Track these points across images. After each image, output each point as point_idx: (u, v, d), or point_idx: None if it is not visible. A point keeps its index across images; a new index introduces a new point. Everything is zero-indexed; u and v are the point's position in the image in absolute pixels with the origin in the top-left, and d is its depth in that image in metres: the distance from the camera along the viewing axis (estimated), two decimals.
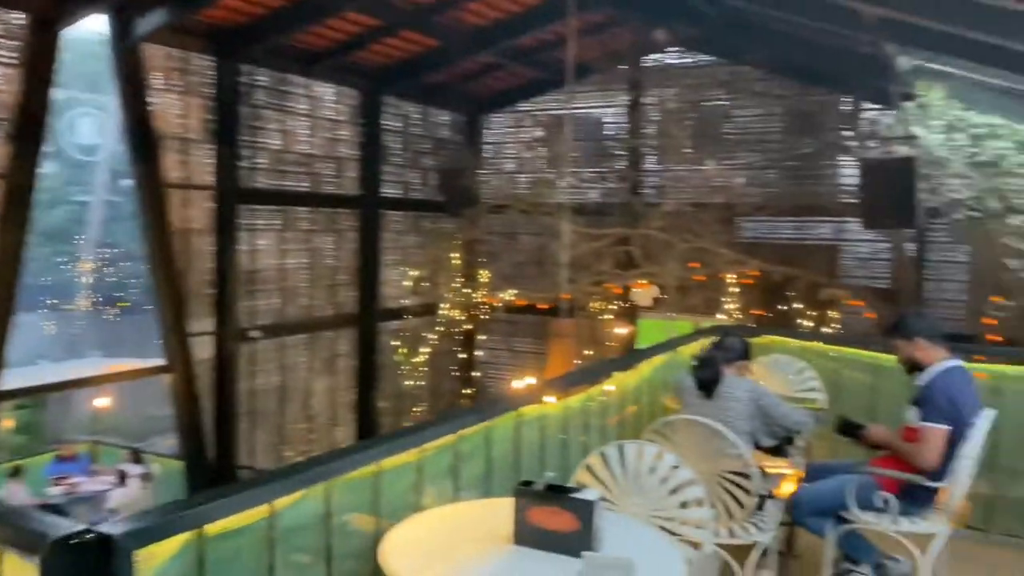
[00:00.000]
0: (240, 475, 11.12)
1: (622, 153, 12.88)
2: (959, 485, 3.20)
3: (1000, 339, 10.09)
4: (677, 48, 11.79)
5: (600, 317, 9.58)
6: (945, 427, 3.20)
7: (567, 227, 8.09)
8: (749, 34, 10.64)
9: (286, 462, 12.07)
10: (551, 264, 13.52)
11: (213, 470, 10.85)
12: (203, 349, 10.66)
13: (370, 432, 12.99)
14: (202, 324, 10.62)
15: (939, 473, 3.21)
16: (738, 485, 3.24)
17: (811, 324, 11.12)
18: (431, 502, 2.83)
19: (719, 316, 10.08)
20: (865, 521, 3.31)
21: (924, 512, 3.30)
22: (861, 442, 3.51)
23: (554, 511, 2.16)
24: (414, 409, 14.41)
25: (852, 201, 11.93)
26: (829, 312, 11.39)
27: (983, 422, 3.24)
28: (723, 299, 10.31)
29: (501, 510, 2.43)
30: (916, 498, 3.28)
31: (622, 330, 11.55)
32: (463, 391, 13.59)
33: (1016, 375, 4.41)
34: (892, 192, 6.83)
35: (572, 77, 6.86)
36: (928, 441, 3.20)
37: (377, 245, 12.95)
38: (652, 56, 13.27)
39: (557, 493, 2.29)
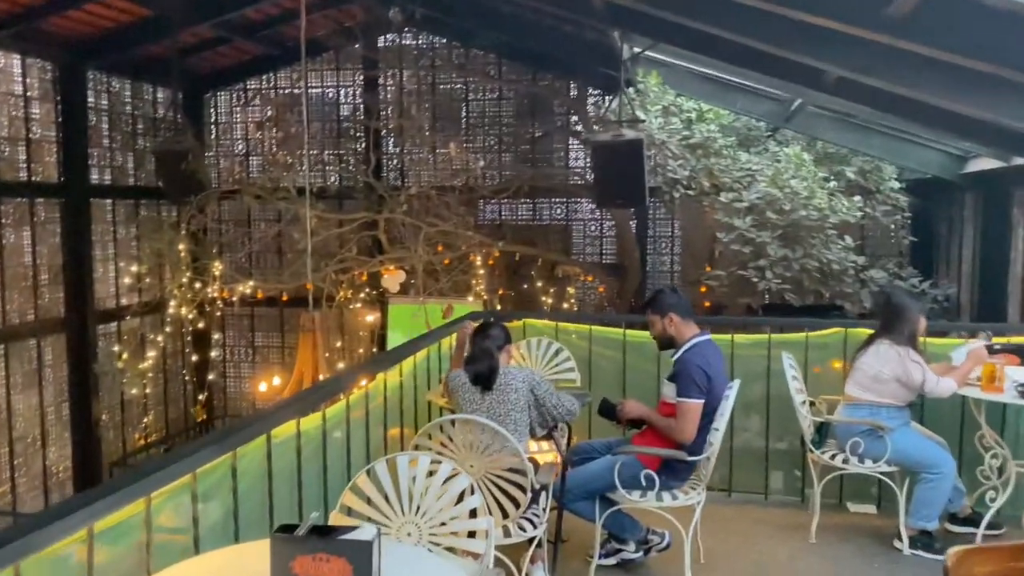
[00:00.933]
0: None
1: (360, 135, 12.52)
2: (713, 456, 3.39)
3: (709, 306, 11.22)
4: (411, 28, 11.60)
5: (349, 306, 9.20)
6: (700, 401, 3.36)
7: (308, 213, 7.62)
8: (482, 17, 10.74)
9: None
10: (292, 252, 12.87)
11: None
12: None
13: (89, 449, 11.55)
14: None
15: (696, 446, 3.37)
16: (515, 483, 3.15)
17: (550, 301, 11.59)
18: (163, 563, 2.27)
19: (469, 298, 10.13)
20: (631, 501, 3.40)
21: (684, 484, 3.45)
22: (619, 421, 3.59)
23: (322, 560, 1.83)
24: (144, 420, 13.07)
25: (582, 182, 12.68)
26: (568, 289, 11.95)
27: (733, 393, 3.45)
28: (472, 281, 10.38)
29: (252, 561, 2.03)
30: (676, 472, 3.42)
31: (371, 318, 11.27)
32: (198, 397, 12.55)
33: (742, 342, 4.81)
34: (622, 173, 7.18)
35: (304, 53, 6.40)
36: (685, 416, 3.34)
37: (86, 239, 11.47)
38: (387, 36, 13.02)
39: (324, 536, 1.94)
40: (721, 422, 3.36)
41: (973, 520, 3.96)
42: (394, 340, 12.47)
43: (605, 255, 13.35)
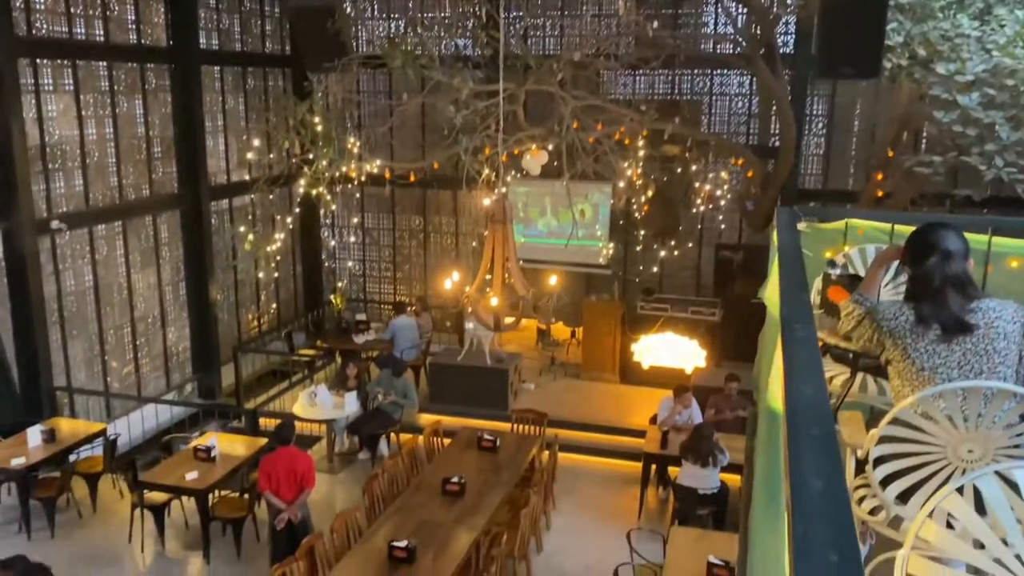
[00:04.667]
0: (57, 399, 9.14)
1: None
2: None
3: (882, 195, 9.97)
4: None
5: (499, 188, 8.27)
6: None
7: (457, 81, 6.58)
8: None
9: (114, 376, 10.12)
10: (429, 129, 11.94)
11: (22, 397, 8.79)
12: None
13: (208, 332, 11.20)
14: None
15: None
16: None
17: (707, 188, 10.50)
18: None
19: (619, 183, 9.11)
20: None
21: None
22: None
23: None
24: (272, 305, 12.68)
25: (736, 51, 11.27)
26: (721, 174, 10.79)
27: None
28: (624, 164, 9.32)
29: None
30: None
31: (487, 202, 10.37)
32: (337, 284, 11.98)
33: None
34: (854, 33, 5.93)
35: None
36: None
37: (197, 109, 10.68)
38: None
39: None
40: None
41: None
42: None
43: (751, 135, 12.08)
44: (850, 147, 11.53)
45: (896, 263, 2.64)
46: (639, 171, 9.95)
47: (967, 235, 2.49)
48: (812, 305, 3.08)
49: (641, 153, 10.05)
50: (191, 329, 11.26)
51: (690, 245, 12.13)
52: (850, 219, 3.50)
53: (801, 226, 3.42)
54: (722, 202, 11.35)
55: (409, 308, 11.59)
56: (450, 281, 8.30)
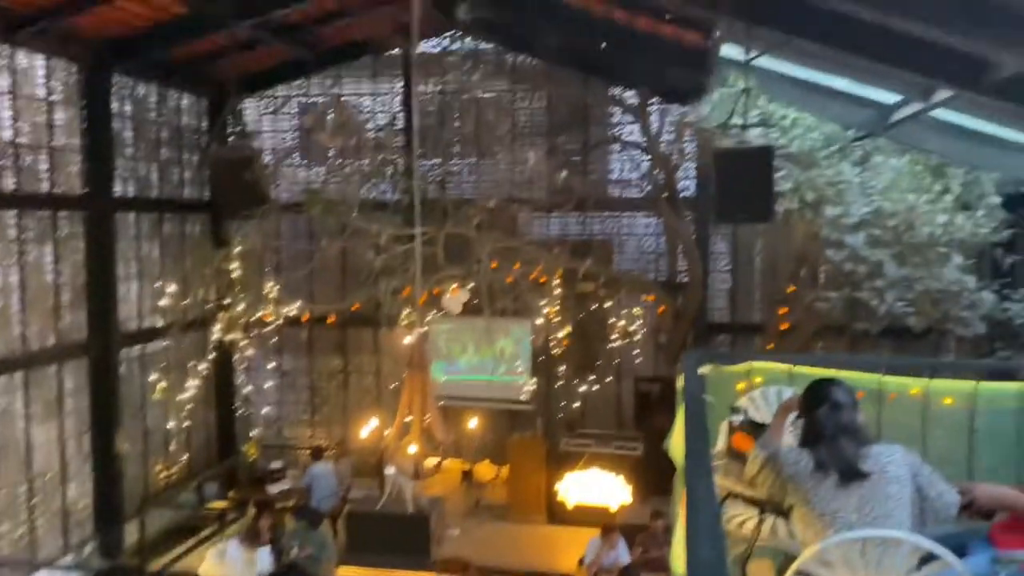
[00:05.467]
0: None
1: (398, 144, 11.63)
2: None
3: (786, 327, 10.45)
4: (468, 31, 10.79)
5: (418, 329, 8.32)
6: None
7: (376, 227, 6.76)
8: (541, 20, 9.92)
9: (4, 541, 9.37)
10: (349, 271, 12.00)
11: None
12: None
13: (113, 487, 10.58)
14: None
15: None
16: None
17: (622, 323, 10.82)
18: None
19: (538, 320, 9.34)
20: None
21: None
22: (966, 511, 2.73)
23: None
24: (182, 455, 12.11)
25: (641, 195, 11.93)
26: (634, 310, 11.17)
27: None
28: (541, 302, 9.56)
29: None
30: None
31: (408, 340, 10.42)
32: (249, 433, 11.63)
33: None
34: (747, 184, 6.40)
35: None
36: None
37: (110, 255, 10.53)
38: (428, 41, 12.25)
39: None
40: None
41: None
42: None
43: (659, 273, 12.58)
44: (754, 283, 12.11)
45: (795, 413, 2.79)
46: (556, 308, 10.21)
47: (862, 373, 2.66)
48: (719, 453, 3.19)
49: (558, 291, 10.35)
50: (94, 484, 10.62)
51: (609, 379, 12.31)
52: (753, 362, 3.66)
53: (704, 370, 3.57)
54: (637, 336, 11.66)
55: (327, 454, 11.26)
56: (367, 428, 8.16)
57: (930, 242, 7.94)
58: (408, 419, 5.37)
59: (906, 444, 3.40)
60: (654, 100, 11.66)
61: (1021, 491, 2.66)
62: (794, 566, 2.22)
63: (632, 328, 11.24)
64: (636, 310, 11.28)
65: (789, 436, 2.78)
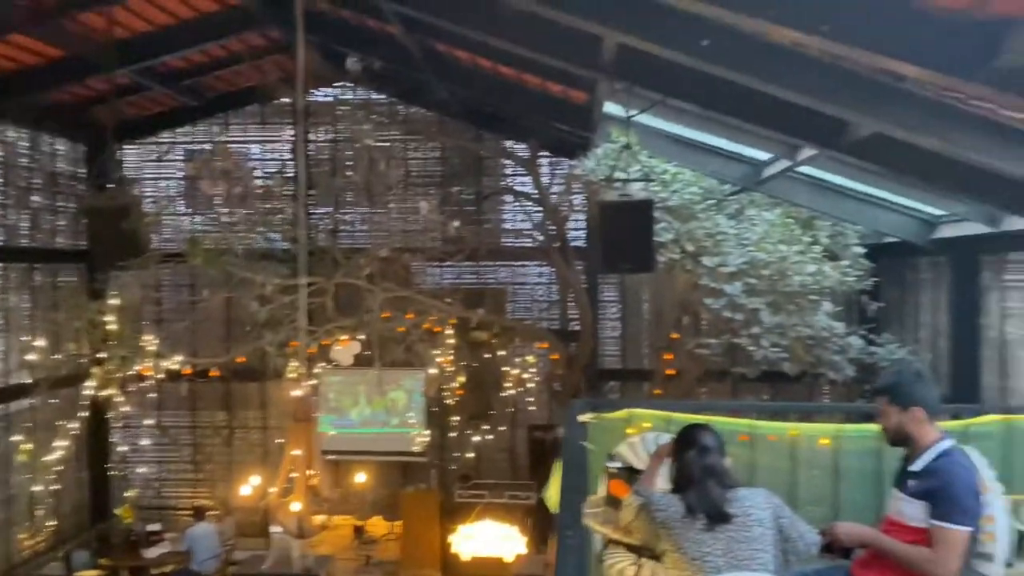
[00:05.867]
0: None
1: (287, 193, 11.46)
2: None
3: (671, 373, 10.78)
4: (360, 81, 10.83)
5: (306, 382, 8.09)
6: (970, 529, 2.69)
7: (261, 277, 6.62)
8: (437, 72, 10.09)
9: None
10: (234, 323, 11.60)
11: None
12: None
13: None
14: None
15: None
16: None
17: (515, 371, 10.89)
18: None
19: (431, 370, 9.29)
20: None
21: None
22: (829, 549, 2.84)
23: None
24: (52, 522, 11.25)
25: (533, 244, 12.15)
26: (527, 358, 11.27)
27: (999, 506, 2.82)
28: (434, 351, 9.51)
29: None
30: None
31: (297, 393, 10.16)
32: (124, 495, 10.91)
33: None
34: (630, 235, 6.64)
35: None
36: (949, 546, 2.64)
37: None
38: (321, 90, 12.24)
39: None
40: (997, 549, 2.71)
41: None
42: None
43: (552, 321, 12.78)
44: (642, 330, 12.45)
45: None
46: (450, 358, 10.19)
47: (733, 418, 2.79)
48: (598, 500, 3.24)
49: (451, 340, 10.33)
50: None
51: (502, 428, 12.31)
52: (632, 409, 3.76)
53: (585, 417, 3.64)
54: (531, 384, 11.75)
55: (210, 514, 10.74)
56: (248, 486, 7.85)
57: (801, 290, 8.38)
58: (293, 475, 5.20)
59: (778, 487, 3.57)
60: (544, 153, 11.99)
61: (878, 529, 2.82)
62: None
63: (526, 376, 11.33)
64: (529, 358, 11.39)
65: (663, 481, 2.87)
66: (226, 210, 9.45)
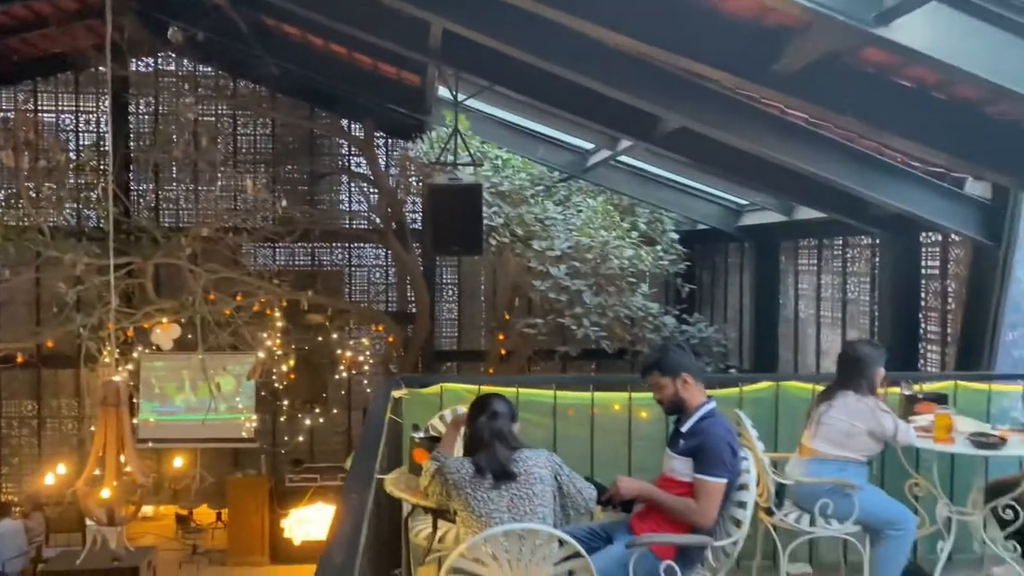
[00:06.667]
0: None
1: (105, 168, 10.82)
2: (742, 539, 3.06)
3: (505, 353, 11.14)
4: (184, 52, 10.34)
5: (122, 367, 7.72)
6: (725, 480, 3.00)
7: (70, 257, 6.29)
8: (267, 47, 9.81)
9: None
10: (44, 305, 10.75)
11: None
12: None
13: None
14: None
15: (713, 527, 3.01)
16: None
17: (348, 354, 10.84)
18: None
19: (260, 354, 9.09)
20: None
21: (696, 573, 3.07)
22: (610, 502, 3.12)
23: None
24: None
25: (369, 226, 12.10)
26: (363, 340, 11.25)
27: (751, 464, 3.15)
28: (261, 334, 9.30)
29: None
30: (690, 559, 3.03)
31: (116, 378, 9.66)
32: None
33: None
34: (458, 218, 6.80)
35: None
36: (709, 496, 2.95)
37: None
38: (143, 60, 11.57)
39: None
40: (749, 497, 3.04)
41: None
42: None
43: (389, 303, 12.80)
44: (478, 311, 12.73)
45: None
46: (280, 341, 10.00)
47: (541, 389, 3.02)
48: (404, 469, 3.40)
49: (280, 323, 10.14)
50: None
51: (335, 411, 12.23)
52: (444, 383, 3.95)
53: (399, 393, 3.78)
54: (366, 367, 11.74)
55: (15, 509, 10.03)
56: (54, 476, 7.43)
57: (620, 273, 8.89)
58: (103, 462, 5.00)
59: (578, 450, 3.87)
60: (380, 134, 11.95)
61: (656, 485, 3.14)
62: (446, 565, 2.45)
63: (361, 359, 11.30)
64: (365, 340, 11.37)
65: (460, 449, 3.06)
66: (31, 184, 8.78)
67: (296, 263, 12.40)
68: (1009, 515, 3.75)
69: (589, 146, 9.40)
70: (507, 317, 10.75)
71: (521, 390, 3.88)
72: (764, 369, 9.67)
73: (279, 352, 9.59)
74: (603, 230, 8.94)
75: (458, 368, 12.84)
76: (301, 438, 11.99)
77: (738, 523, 3.06)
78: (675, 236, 10.33)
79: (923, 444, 3.73)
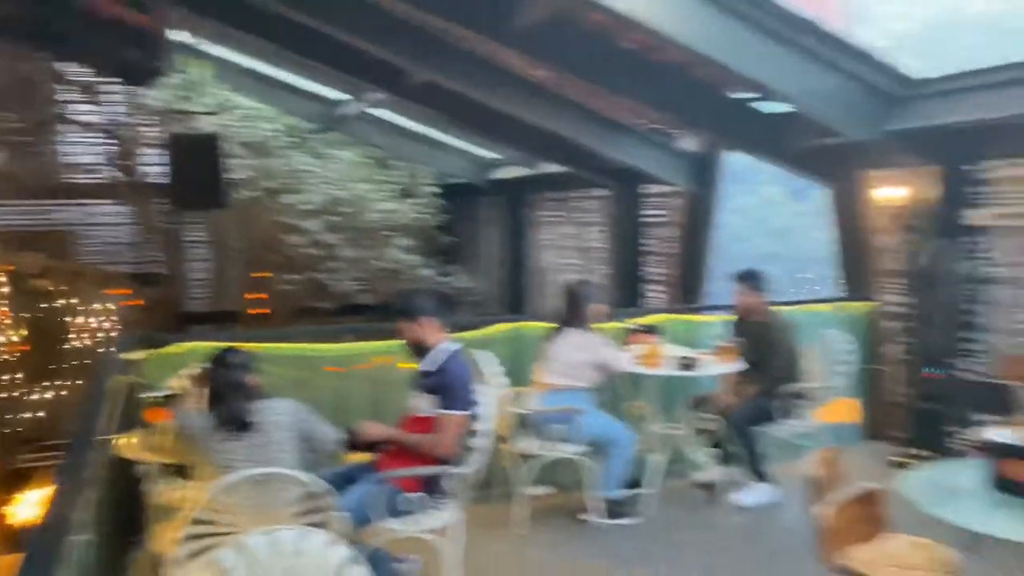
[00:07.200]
0: None
1: None
2: (481, 464, 3.26)
3: (265, 312, 10.81)
4: None
5: None
6: (467, 413, 3.17)
7: None
8: None
9: None
10: None
11: None
12: None
13: None
14: None
15: (457, 458, 3.18)
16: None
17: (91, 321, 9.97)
18: None
19: None
20: (392, 531, 3.05)
21: (442, 501, 3.23)
22: (355, 446, 3.21)
23: None
24: None
25: (106, 181, 11.07)
26: (108, 305, 10.39)
27: (491, 399, 3.35)
28: None
29: None
30: (436, 489, 3.18)
31: None
32: None
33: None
34: (199, 171, 6.50)
35: None
36: (449, 428, 3.10)
37: None
38: None
39: None
40: (486, 429, 3.24)
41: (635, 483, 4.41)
42: None
43: (133, 265, 11.84)
44: (232, 270, 12.17)
45: None
46: (5, 309, 9.02)
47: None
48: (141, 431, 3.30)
49: (5, 290, 9.12)
50: None
51: (78, 383, 11.26)
52: (197, 342, 3.86)
53: (134, 355, 3.63)
54: (111, 333, 10.87)
55: None
56: None
57: (377, 226, 8.94)
58: None
59: (332, 398, 3.95)
60: (110, 79, 10.89)
61: (403, 423, 3.32)
62: (187, 517, 2.46)
63: (103, 325, 10.46)
64: (107, 305, 10.52)
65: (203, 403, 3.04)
66: None
67: (16, 224, 11.10)
68: (707, 427, 4.38)
69: (345, 97, 9.25)
70: (266, 275, 10.43)
71: (277, 345, 3.89)
72: (515, 313, 10.21)
73: (4, 322, 8.63)
74: (361, 183, 8.92)
75: (213, 330, 12.26)
76: (42, 414, 10.91)
77: (474, 452, 3.30)
78: (434, 190, 10.51)
79: (636, 369, 4.23)
